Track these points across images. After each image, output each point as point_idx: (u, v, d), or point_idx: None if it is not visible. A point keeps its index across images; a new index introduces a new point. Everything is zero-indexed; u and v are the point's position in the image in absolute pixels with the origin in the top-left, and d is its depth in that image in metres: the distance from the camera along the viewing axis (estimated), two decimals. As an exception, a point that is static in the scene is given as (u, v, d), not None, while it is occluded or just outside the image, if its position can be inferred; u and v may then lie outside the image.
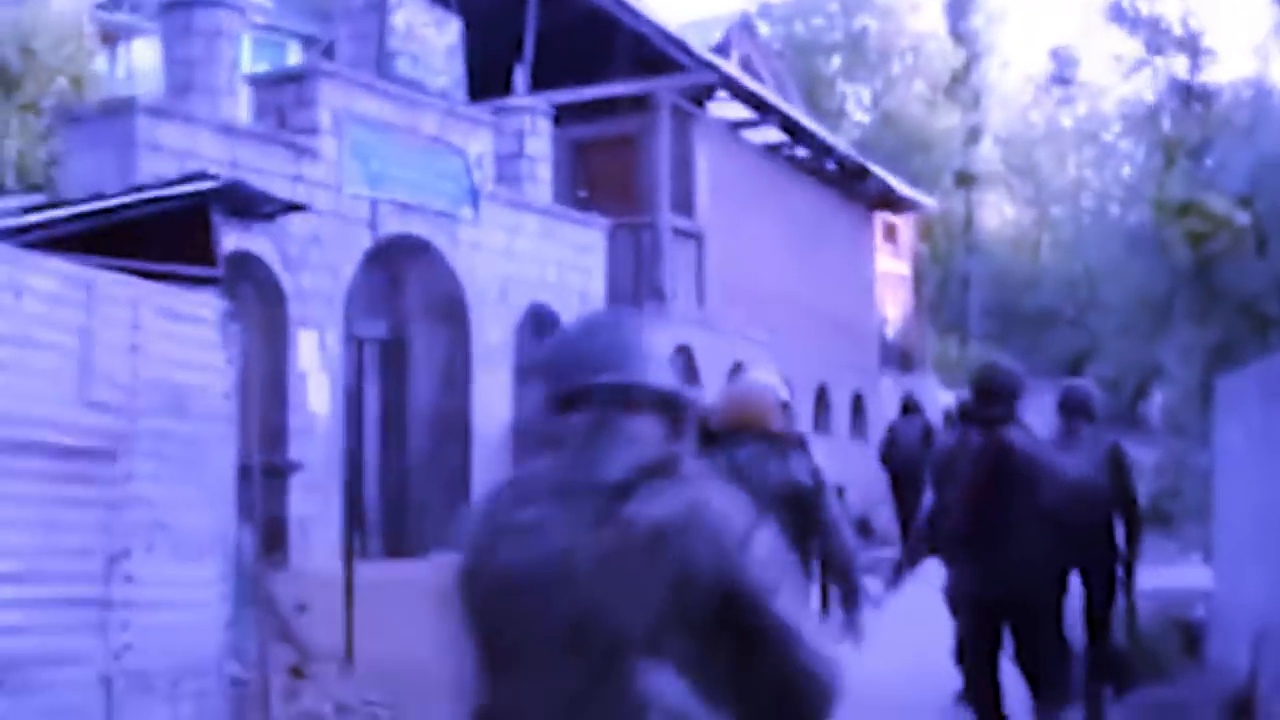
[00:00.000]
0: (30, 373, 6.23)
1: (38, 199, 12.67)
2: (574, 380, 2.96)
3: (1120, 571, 9.32)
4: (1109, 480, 9.07)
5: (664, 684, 2.71)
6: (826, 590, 6.39)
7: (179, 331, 7.21)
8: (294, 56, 32.40)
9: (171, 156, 12.75)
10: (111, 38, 29.95)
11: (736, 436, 6.28)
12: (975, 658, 7.86)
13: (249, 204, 10.36)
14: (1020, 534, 7.43)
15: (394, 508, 16.80)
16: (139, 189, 9.51)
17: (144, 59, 30.48)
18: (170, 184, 9.35)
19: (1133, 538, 9.27)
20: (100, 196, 9.30)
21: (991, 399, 7.70)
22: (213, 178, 9.47)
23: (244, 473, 8.46)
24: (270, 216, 11.26)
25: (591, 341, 3.02)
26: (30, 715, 6.16)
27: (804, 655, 2.78)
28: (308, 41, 32.61)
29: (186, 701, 7.21)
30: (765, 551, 2.81)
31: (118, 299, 6.74)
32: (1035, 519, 7.46)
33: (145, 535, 6.84)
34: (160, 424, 6.98)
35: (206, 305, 7.52)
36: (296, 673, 10.04)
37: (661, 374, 3.01)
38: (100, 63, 27.43)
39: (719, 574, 2.72)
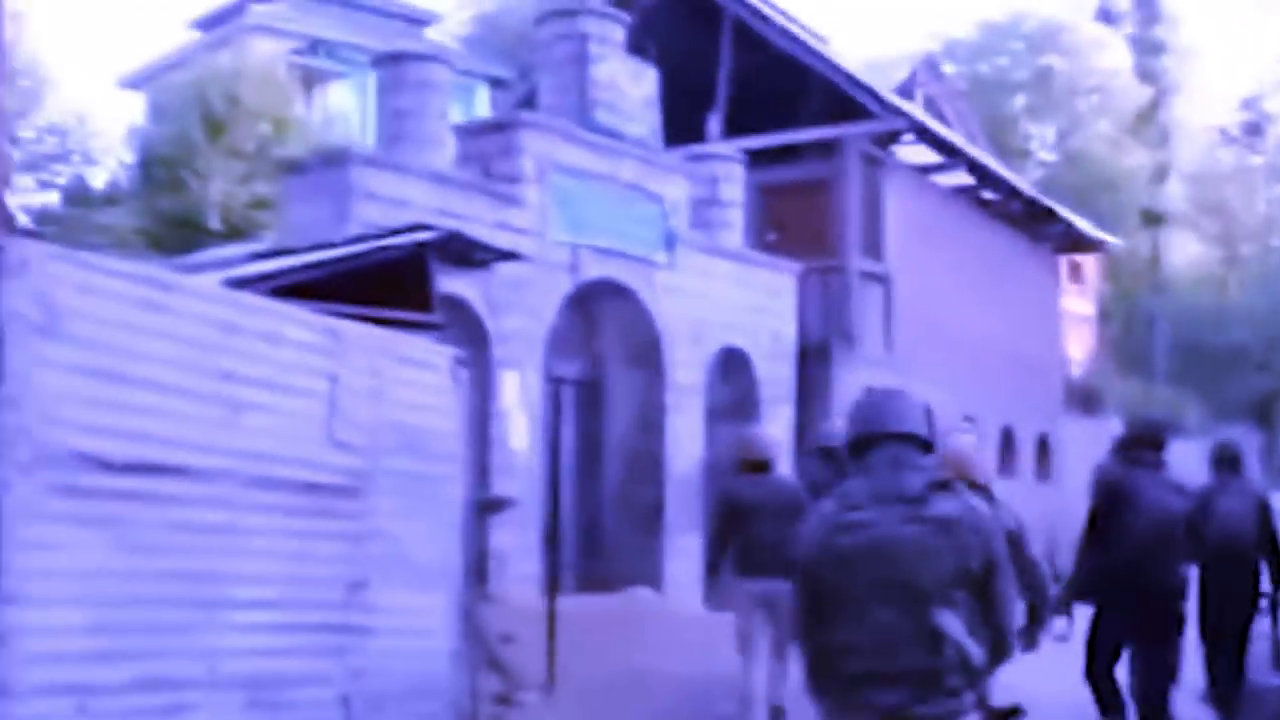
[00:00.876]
0: (284, 415, 6.71)
1: (262, 246, 13.33)
2: (876, 428, 4.68)
3: (1266, 608, 10.48)
4: (1257, 526, 10.19)
5: (950, 621, 4.35)
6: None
7: (413, 377, 7.67)
8: (482, 98, 33.19)
9: (385, 205, 13.30)
10: (310, 82, 30.96)
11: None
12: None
13: (464, 252, 10.90)
14: (1110, 557, 8.84)
15: (589, 543, 17.18)
16: (364, 238, 10.07)
17: (340, 102, 31.49)
18: (393, 233, 9.90)
19: (1278, 579, 10.36)
20: (325, 245, 9.88)
21: (1132, 444, 9.23)
22: (434, 229, 10.01)
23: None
24: (482, 264, 11.78)
25: (885, 404, 4.77)
26: (278, 732, 6.63)
27: (1008, 614, 4.59)
28: (495, 83, 33.40)
29: (415, 723, 7.66)
30: (1001, 543, 4.58)
31: (360, 346, 7.22)
32: (1125, 544, 8.73)
33: (383, 566, 7.31)
34: (397, 463, 7.44)
35: (438, 352, 7.97)
36: (504, 700, 10.47)
37: (925, 427, 4.72)
38: (299, 107, 28.35)
39: (983, 551, 4.46)
